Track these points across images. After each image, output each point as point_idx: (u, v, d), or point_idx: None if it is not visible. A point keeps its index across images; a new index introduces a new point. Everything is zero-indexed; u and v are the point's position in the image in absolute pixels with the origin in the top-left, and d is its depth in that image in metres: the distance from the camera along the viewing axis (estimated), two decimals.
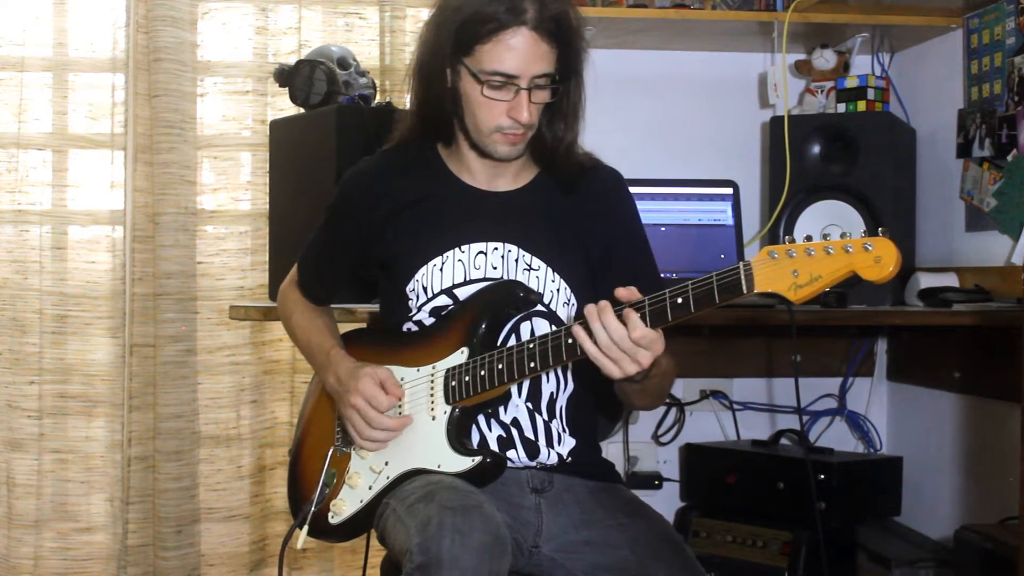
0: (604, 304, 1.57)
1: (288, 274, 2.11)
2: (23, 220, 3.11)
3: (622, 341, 1.55)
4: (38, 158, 3.12)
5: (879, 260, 1.40)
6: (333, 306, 2.11)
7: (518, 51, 1.73)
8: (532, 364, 1.67)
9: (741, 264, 1.48)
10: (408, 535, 1.58)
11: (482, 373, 1.72)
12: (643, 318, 1.55)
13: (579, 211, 1.89)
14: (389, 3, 3.11)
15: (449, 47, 1.77)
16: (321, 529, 1.88)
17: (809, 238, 1.46)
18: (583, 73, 1.84)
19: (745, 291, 1.47)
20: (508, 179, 1.90)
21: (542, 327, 1.83)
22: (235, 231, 3.17)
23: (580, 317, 1.60)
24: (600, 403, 1.92)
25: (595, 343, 1.57)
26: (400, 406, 1.80)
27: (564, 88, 1.80)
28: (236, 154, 3.18)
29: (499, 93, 1.75)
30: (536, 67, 1.74)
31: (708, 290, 1.50)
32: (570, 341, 1.62)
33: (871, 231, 1.44)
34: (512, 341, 1.82)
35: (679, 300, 1.52)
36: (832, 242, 1.43)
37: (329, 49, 2.70)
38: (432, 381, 1.79)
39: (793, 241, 1.47)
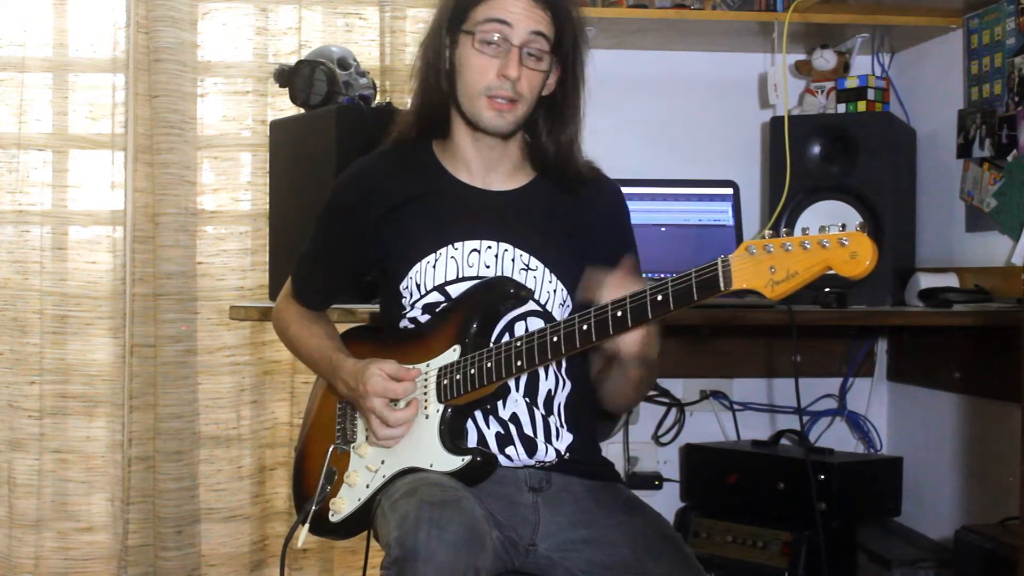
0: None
1: (281, 291, 2.08)
2: (24, 220, 3.11)
3: None
4: (38, 158, 3.12)
5: (855, 256, 1.37)
6: (334, 306, 2.11)
7: (512, 4, 1.76)
8: (519, 362, 1.68)
9: (720, 260, 1.47)
10: (388, 529, 1.61)
11: (472, 371, 1.73)
12: (624, 316, 1.56)
13: (577, 217, 1.89)
14: (389, 3, 3.11)
15: (447, 21, 1.80)
16: (322, 527, 1.90)
17: (789, 232, 1.43)
18: (581, 68, 1.84)
19: (723, 287, 1.46)
20: (504, 176, 1.89)
21: (537, 327, 1.82)
22: (235, 231, 3.17)
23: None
24: (597, 405, 1.92)
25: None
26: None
27: (560, 84, 1.81)
28: (236, 154, 3.17)
29: (491, 48, 1.77)
30: (530, 22, 1.76)
31: (687, 287, 1.50)
32: (555, 339, 1.63)
33: (870, 230, 1.43)
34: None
35: (659, 298, 1.52)
36: (809, 236, 1.40)
37: (329, 49, 2.70)
38: (426, 379, 1.79)
39: (773, 235, 1.44)
